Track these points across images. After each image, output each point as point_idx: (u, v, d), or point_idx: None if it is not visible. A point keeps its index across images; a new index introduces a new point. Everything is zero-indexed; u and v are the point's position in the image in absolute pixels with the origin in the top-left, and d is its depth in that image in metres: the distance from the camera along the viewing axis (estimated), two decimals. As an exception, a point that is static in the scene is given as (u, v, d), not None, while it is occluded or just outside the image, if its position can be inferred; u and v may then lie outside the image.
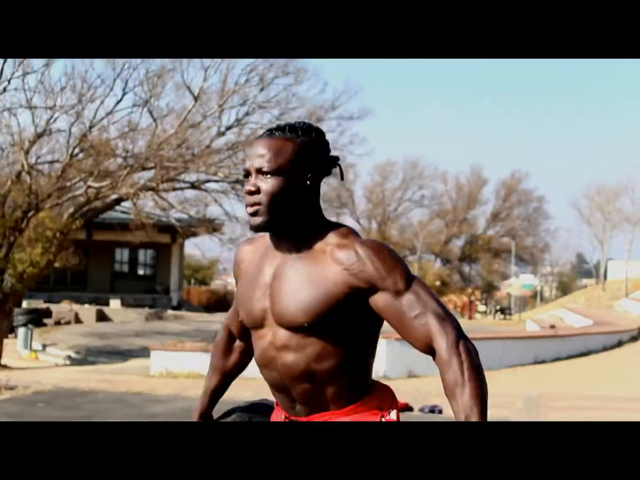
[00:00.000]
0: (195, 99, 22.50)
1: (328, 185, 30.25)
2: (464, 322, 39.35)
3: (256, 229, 2.37)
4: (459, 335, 2.25)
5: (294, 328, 2.35)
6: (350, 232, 2.39)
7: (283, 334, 2.37)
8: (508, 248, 61.73)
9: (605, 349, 25.06)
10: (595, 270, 68.74)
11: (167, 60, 22.13)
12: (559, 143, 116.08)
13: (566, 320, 36.56)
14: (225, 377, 2.84)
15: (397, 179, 63.91)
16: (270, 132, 2.39)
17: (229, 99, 23.46)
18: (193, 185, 24.26)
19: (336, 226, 2.41)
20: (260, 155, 2.34)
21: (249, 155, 2.39)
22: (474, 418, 2.14)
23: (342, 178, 2.53)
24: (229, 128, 24.19)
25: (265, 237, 2.52)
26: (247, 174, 2.38)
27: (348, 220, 63.61)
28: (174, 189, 23.89)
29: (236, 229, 25.64)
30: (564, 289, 71.20)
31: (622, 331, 27.86)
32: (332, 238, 2.36)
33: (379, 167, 61.38)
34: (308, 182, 2.37)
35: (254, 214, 2.35)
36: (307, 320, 2.31)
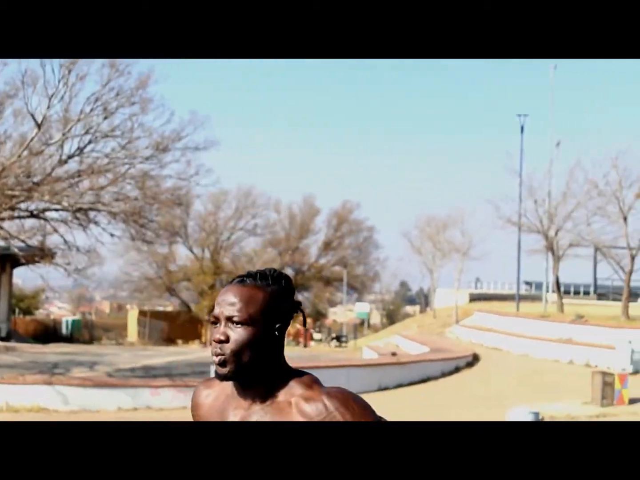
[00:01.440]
0: (39, 126, 21.91)
1: (159, 215, 29.82)
2: (299, 350, 38.99)
3: (223, 378, 2.35)
4: None
5: None
6: (314, 382, 2.37)
7: None
8: (340, 276, 62.85)
9: (443, 374, 25.94)
10: (423, 298, 70.78)
11: (8, 87, 21.48)
12: (390, 175, 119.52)
13: (402, 347, 37.47)
14: None
15: (230, 208, 63.93)
16: (241, 279, 2.39)
17: (73, 127, 22.98)
18: (32, 214, 23.59)
19: (299, 375, 2.40)
20: (231, 304, 2.33)
21: (219, 302, 2.36)
22: None
23: (304, 324, 2.56)
24: (71, 157, 23.68)
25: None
26: (216, 321, 2.36)
27: (181, 249, 63.00)
28: (13, 218, 23.15)
29: (79, 258, 25.08)
30: (391, 316, 72.88)
31: (458, 357, 28.86)
32: (296, 388, 2.35)
33: (212, 196, 61.09)
34: (276, 332, 2.37)
35: (221, 364, 2.33)
36: None
